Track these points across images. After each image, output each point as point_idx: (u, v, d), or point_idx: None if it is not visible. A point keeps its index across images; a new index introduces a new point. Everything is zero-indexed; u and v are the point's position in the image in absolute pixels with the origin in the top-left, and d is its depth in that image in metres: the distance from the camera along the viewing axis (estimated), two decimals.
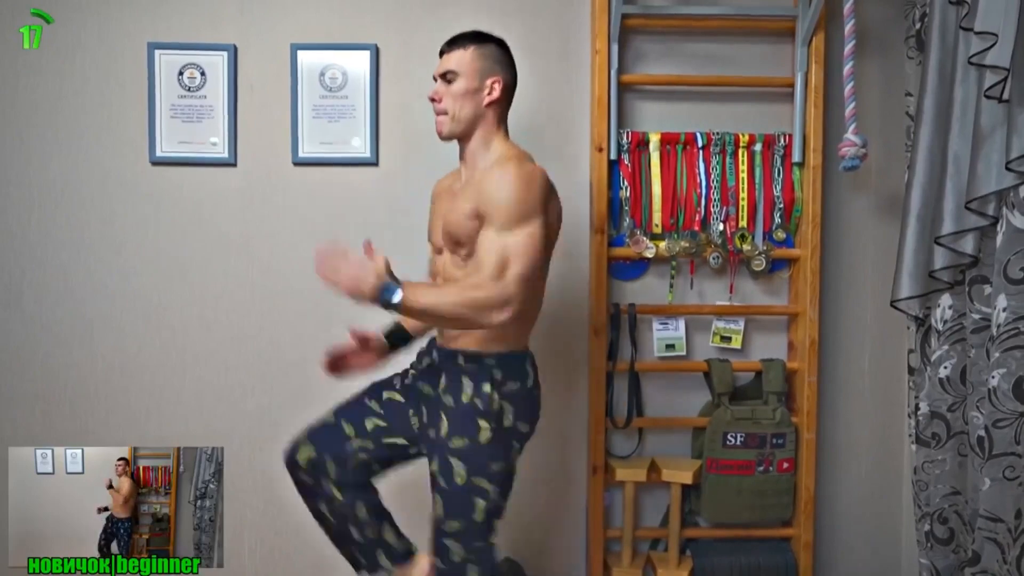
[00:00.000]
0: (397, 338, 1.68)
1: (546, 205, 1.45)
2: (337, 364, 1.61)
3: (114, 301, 2.05)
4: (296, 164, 2.08)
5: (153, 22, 2.04)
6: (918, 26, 1.95)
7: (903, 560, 2.18)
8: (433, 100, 1.54)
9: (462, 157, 1.58)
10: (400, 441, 1.58)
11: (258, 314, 2.08)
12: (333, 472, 1.55)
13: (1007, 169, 1.59)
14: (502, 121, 1.56)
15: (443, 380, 1.51)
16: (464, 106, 1.51)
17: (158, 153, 2.05)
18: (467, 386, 1.46)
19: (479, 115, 1.52)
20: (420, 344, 1.70)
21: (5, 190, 2.04)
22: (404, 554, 1.62)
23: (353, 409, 1.61)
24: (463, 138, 1.55)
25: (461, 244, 1.48)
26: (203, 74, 2.05)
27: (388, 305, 1.31)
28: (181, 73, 2.05)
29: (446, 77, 1.52)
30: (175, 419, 2.07)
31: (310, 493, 1.59)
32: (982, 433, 1.68)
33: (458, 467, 1.44)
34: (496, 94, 1.52)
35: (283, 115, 2.06)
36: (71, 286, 2.05)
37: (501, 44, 1.57)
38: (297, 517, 2.06)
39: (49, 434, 2.03)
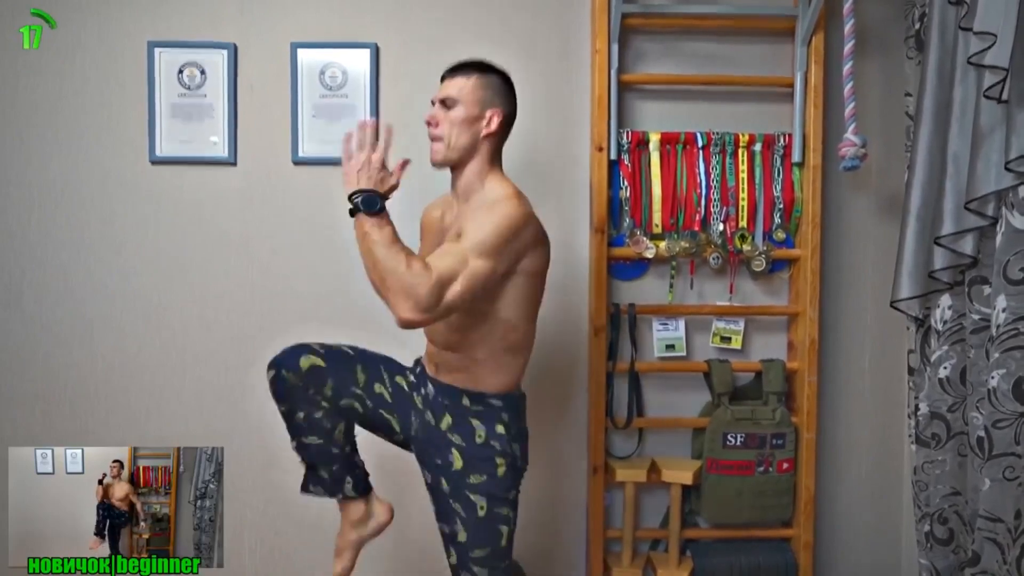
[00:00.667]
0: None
1: (525, 253, 1.43)
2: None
3: (114, 301, 2.05)
4: (296, 163, 2.08)
5: (153, 21, 2.04)
6: (917, 26, 1.95)
7: (903, 560, 2.18)
8: (429, 124, 1.50)
9: (454, 188, 1.55)
10: (394, 423, 1.57)
11: (258, 314, 2.07)
12: (328, 391, 1.49)
13: (1006, 169, 1.59)
14: (497, 155, 1.54)
15: (447, 418, 1.51)
16: (461, 134, 1.48)
17: (158, 153, 2.05)
18: (479, 428, 1.49)
19: (475, 145, 1.49)
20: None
21: (5, 190, 2.04)
22: (366, 488, 1.62)
23: (371, 364, 1.58)
24: (456, 167, 1.51)
25: None
26: (203, 73, 2.05)
27: (353, 212, 1.34)
28: (181, 71, 2.05)
29: (445, 103, 1.49)
30: (175, 419, 2.07)
31: (294, 397, 1.49)
32: (982, 434, 1.68)
33: (479, 501, 1.48)
34: (494, 127, 1.50)
35: (283, 114, 2.06)
36: (71, 286, 2.05)
37: (504, 76, 1.55)
38: (297, 517, 2.07)
39: (49, 434, 2.03)
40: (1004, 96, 1.59)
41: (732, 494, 2.02)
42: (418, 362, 1.66)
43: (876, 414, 2.16)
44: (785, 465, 2.03)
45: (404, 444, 1.62)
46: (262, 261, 2.07)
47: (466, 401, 1.50)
